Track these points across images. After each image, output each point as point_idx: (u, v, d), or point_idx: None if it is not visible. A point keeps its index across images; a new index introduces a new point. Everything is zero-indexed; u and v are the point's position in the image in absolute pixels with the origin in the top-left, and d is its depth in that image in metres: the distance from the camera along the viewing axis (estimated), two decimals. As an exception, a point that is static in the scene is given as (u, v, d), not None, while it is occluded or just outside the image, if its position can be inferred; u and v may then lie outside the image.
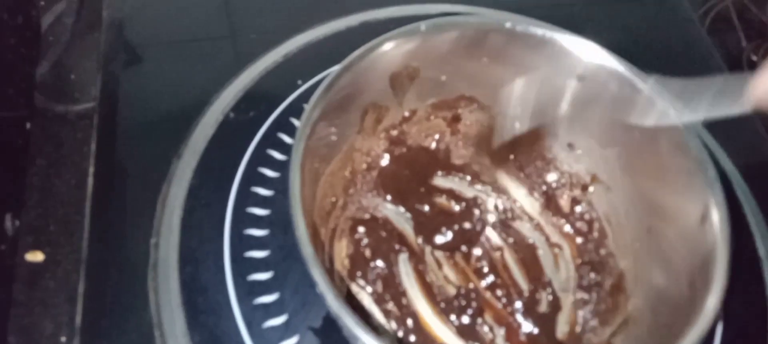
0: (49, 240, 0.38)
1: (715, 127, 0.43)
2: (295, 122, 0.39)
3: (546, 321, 0.35)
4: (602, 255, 0.37)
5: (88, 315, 0.32)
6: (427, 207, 0.38)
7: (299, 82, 0.41)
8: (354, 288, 0.35)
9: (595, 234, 0.37)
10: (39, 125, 0.43)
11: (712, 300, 0.27)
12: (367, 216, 0.37)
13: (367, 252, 0.35)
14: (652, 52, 0.48)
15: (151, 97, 0.40)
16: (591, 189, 0.38)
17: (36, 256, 0.38)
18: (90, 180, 0.36)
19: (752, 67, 0.53)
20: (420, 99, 0.36)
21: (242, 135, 0.38)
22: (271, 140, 0.38)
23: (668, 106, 0.31)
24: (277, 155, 0.37)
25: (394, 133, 0.37)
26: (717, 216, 0.29)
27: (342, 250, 0.36)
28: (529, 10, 0.47)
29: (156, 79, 0.41)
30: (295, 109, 0.39)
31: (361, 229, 0.36)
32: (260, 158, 0.37)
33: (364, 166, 0.37)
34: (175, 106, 0.39)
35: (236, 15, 0.45)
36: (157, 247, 0.34)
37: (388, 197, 0.38)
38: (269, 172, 0.37)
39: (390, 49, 0.32)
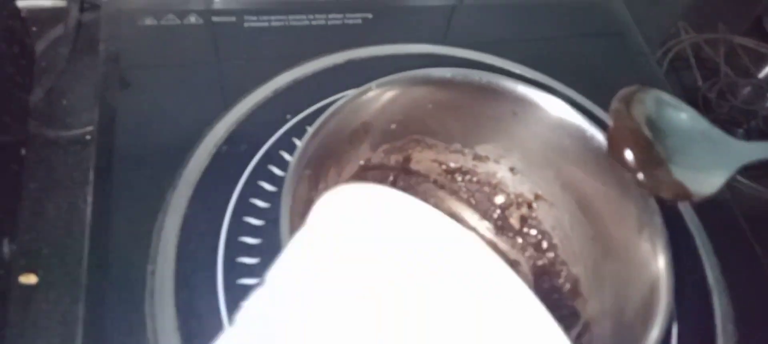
0: (41, 263, 0.39)
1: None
2: (285, 156, 0.41)
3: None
4: (556, 264, 0.40)
5: (88, 339, 0.34)
6: None
7: (288, 116, 0.43)
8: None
9: (546, 246, 0.41)
10: (32, 150, 0.44)
11: (655, 333, 0.30)
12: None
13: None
14: (609, 87, 0.51)
15: (146, 128, 0.41)
16: (535, 206, 0.41)
17: (29, 279, 0.39)
18: (89, 209, 0.37)
19: (707, 104, 0.58)
20: (373, 148, 0.39)
21: (234, 167, 0.40)
22: (261, 172, 0.40)
23: None
24: (268, 186, 0.40)
25: (352, 181, 0.39)
26: (657, 234, 0.33)
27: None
28: (494, 47, 0.52)
29: (151, 111, 0.42)
30: (285, 143, 0.41)
31: None
32: (251, 189, 0.39)
33: None
34: (169, 138, 0.41)
35: (226, 51, 0.47)
36: (154, 275, 0.35)
37: None
38: (260, 203, 0.39)
39: (349, 111, 0.35)
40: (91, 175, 0.39)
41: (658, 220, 0.33)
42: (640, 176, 0.32)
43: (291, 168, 0.31)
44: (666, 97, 0.36)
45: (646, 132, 0.33)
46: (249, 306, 0.24)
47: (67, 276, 0.39)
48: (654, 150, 0.33)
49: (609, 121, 0.33)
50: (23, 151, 0.44)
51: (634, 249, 0.34)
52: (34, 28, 0.50)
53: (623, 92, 0.34)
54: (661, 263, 0.32)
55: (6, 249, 0.39)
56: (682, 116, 0.37)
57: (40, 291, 0.39)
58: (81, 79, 0.48)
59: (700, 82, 0.60)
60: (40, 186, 0.43)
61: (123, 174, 0.39)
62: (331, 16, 0.51)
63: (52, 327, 0.38)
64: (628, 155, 0.32)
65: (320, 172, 0.36)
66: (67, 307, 0.38)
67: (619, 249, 0.36)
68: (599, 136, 0.36)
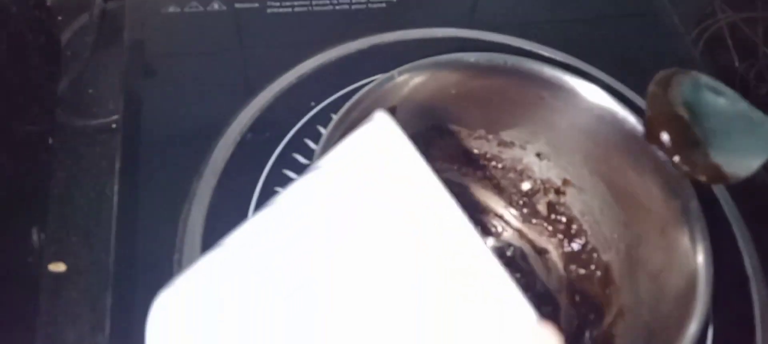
0: (70, 251, 0.40)
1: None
2: (310, 143, 0.40)
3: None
4: (586, 251, 0.39)
5: (117, 328, 0.34)
6: None
7: (312, 103, 0.42)
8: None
9: (575, 232, 0.40)
10: (59, 139, 0.44)
11: (693, 327, 0.29)
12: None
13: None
14: (642, 69, 0.50)
15: (171, 116, 0.41)
16: (564, 191, 0.40)
17: (58, 267, 0.40)
18: (115, 199, 0.37)
19: (745, 86, 0.56)
20: None
21: (259, 155, 0.40)
22: (286, 160, 0.40)
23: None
24: (293, 175, 0.39)
25: None
26: (695, 222, 0.32)
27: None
28: (522, 29, 0.50)
29: (176, 99, 0.42)
30: (309, 131, 0.41)
31: None
32: (276, 177, 0.39)
33: None
34: (194, 126, 0.41)
35: (250, 38, 0.47)
36: (180, 264, 0.35)
37: None
38: None
39: (372, 99, 0.34)
40: (117, 164, 0.39)
41: (695, 206, 0.32)
42: (676, 158, 0.31)
43: (316, 158, 0.31)
44: (704, 79, 0.34)
45: (684, 114, 0.32)
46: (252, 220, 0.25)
47: (96, 264, 0.40)
48: (691, 132, 0.32)
49: (645, 104, 0.32)
50: (51, 141, 0.44)
51: (670, 238, 0.33)
52: (59, 18, 0.50)
53: (660, 75, 0.33)
54: (699, 253, 0.31)
55: (36, 237, 0.39)
56: (721, 98, 0.35)
57: (69, 279, 0.40)
58: (107, 67, 0.48)
59: (737, 63, 0.58)
60: (68, 175, 0.44)
61: (149, 162, 0.39)
62: (354, 0, 0.50)
63: (82, 315, 0.39)
64: (665, 137, 0.31)
65: None
66: (96, 295, 0.39)
67: (654, 236, 0.35)
68: (631, 119, 0.34)
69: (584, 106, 0.36)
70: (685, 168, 0.31)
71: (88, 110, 0.47)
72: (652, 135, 0.32)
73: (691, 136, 0.31)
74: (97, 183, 0.43)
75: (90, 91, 0.48)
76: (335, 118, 0.32)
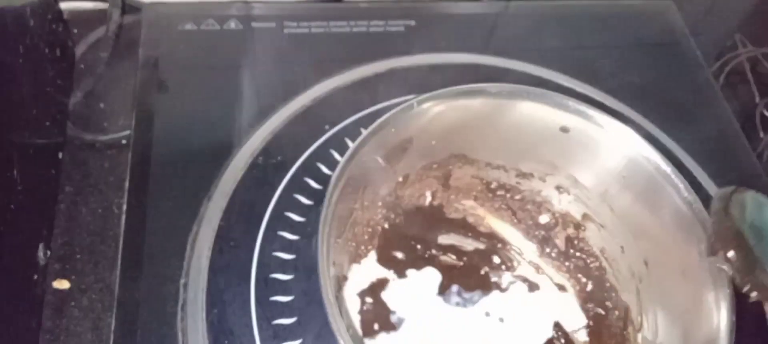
0: (74, 268, 0.39)
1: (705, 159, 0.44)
2: (323, 168, 0.39)
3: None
4: (605, 290, 0.38)
5: None
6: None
7: (326, 126, 0.41)
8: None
9: (595, 270, 0.39)
10: (68, 153, 0.44)
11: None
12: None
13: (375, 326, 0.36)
14: (662, 101, 0.49)
15: (183, 134, 0.41)
16: (583, 226, 0.39)
17: (62, 284, 0.39)
18: (123, 216, 0.37)
19: (764, 121, 0.55)
20: (411, 164, 0.38)
21: (270, 178, 0.39)
22: (297, 184, 0.39)
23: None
24: (304, 200, 0.38)
25: (390, 198, 0.38)
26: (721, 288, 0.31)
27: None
28: (541, 57, 0.49)
29: (189, 117, 0.42)
30: (322, 154, 0.40)
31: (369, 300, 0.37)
32: (287, 202, 0.38)
33: (366, 237, 0.38)
34: (206, 145, 0.40)
35: (266, 58, 0.47)
36: (186, 288, 0.34)
37: (391, 271, 0.38)
38: (295, 217, 0.38)
39: (389, 129, 0.33)
40: (127, 181, 0.38)
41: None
42: (746, 287, 0.30)
43: (331, 186, 0.30)
44: (762, 198, 0.34)
45: (746, 232, 0.31)
46: None
47: (100, 283, 0.39)
48: (752, 251, 0.31)
49: (709, 221, 0.32)
50: (61, 155, 0.43)
51: (692, 282, 0.32)
52: (75, 30, 0.50)
53: (722, 192, 0.33)
54: (722, 301, 0.30)
55: (41, 254, 0.38)
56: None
57: (72, 296, 0.39)
58: (120, 82, 0.48)
59: (757, 99, 0.56)
60: (76, 190, 0.43)
61: (158, 180, 0.38)
62: (372, 22, 0.50)
63: (84, 334, 0.38)
64: (732, 256, 0.30)
65: (357, 187, 0.35)
66: (98, 314, 0.38)
67: (675, 278, 0.34)
68: (659, 162, 0.33)
69: (611, 144, 0.35)
70: (751, 288, 0.30)
71: (98, 125, 0.46)
72: (716, 251, 0.31)
73: (751, 255, 0.31)
74: (104, 200, 0.43)
75: (101, 105, 0.47)
76: (352, 146, 0.31)
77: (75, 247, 0.41)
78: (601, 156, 0.36)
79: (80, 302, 0.39)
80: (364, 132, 0.32)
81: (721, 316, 0.30)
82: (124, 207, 0.37)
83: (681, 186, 0.33)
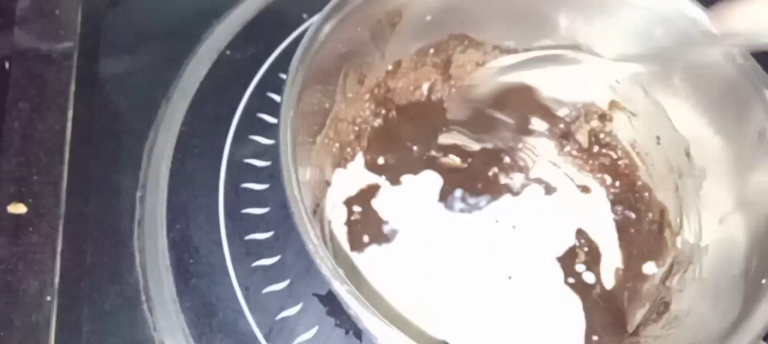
0: (31, 191, 0.36)
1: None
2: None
3: (585, 282, 0.32)
4: (636, 190, 0.34)
5: (68, 276, 0.30)
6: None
7: (305, 15, 0.37)
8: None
9: (623, 168, 0.35)
10: (21, 66, 0.39)
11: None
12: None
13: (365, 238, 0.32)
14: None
15: (137, 33, 0.37)
16: (610, 116, 0.35)
17: (18, 208, 0.36)
18: (68, 125, 0.32)
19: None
20: (403, 48, 0.33)
21: (240, 76, 0.35)
22: (272, 82, 0.35)
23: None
24: (278, 98, 0.34)
25: (379, 91, 0.34)
26: None
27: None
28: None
29: (143, 13, 0.37)
30: (300, 47, 0.35)
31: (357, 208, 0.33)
32: (260, 102, 0.34)
33: (352, 136, 0.34)
34: (164, 43, 0.36)
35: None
36: (144, 201, 0.31)
37: (382, 177, 0.34)
38: (270, 119, 0.34)
39: None
40: (72, 83, 0.33)
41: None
42: None
43: (291, 70, 0.25)
44: None
45: None
46: None
47: (59, 206, 0.35)
48: None
49: None
50: (7, 65, 0.39)
51: (743, 173, 0.28)
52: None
53: None
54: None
55: (-8, 176, 0.35)
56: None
57: (30, 221, 0.35)
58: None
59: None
60: (30, 105, 0.39)
61: (110, 85, 0.35)
62: None
63: (44, 262, 0.35)
64: None
65: (335, 77, 0.30)
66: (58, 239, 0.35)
67: (723, 171, 0.29)
68: (701, 17, 0.28)
69: (641, 3, 0.29)
70: None
71: (53, 33, 0.42)
72: None
73: None
74: (62, 115, 0.39)
75: (56, 11, 0.43)
76: (316, 18, 0.26)
77: (31, 168, 0.37)
78: (629, 20, 0.30)
79: (38, 227, 0.35)
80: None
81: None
82: (70, 113, 0.33)
83: (734, 50, 0.28)
